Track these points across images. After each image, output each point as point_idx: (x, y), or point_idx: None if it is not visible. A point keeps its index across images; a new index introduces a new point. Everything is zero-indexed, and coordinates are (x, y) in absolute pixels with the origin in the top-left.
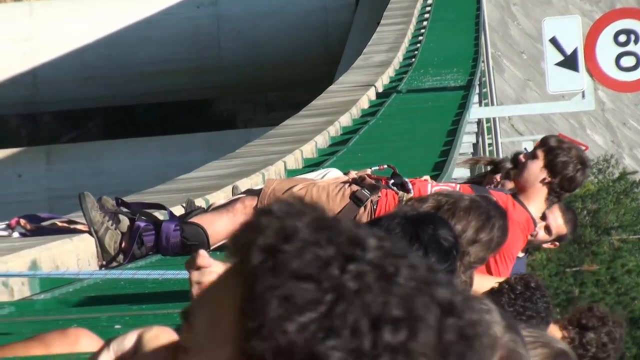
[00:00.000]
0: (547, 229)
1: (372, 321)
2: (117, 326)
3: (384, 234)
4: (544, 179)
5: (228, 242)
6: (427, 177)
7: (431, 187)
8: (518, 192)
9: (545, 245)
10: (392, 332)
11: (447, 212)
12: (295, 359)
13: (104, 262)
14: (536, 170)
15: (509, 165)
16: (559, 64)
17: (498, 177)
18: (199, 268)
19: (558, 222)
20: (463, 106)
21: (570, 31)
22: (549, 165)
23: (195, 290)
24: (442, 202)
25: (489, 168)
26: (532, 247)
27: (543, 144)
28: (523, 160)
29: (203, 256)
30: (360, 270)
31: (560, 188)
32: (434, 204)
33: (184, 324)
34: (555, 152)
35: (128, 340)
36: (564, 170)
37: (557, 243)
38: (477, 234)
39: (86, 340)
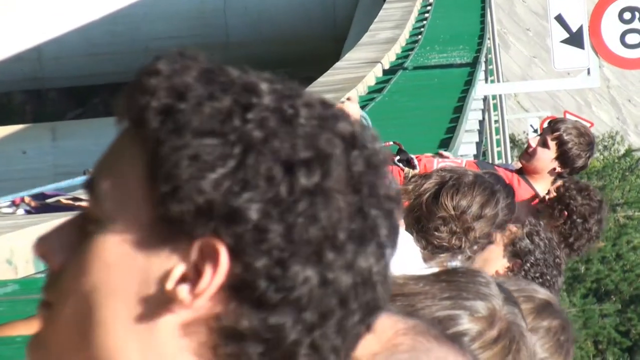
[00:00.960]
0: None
1: (284, 167)
2: None
3: (271, 76)
4: (554, 168)
5: (115, 107)
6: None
7: (437, 163)
8: (524, 172)
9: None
10: (306, 175)
11: (452, 188)
12: (214, 217)
13: None
14: (547, 160)
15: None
16: (565, 41)
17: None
18: None
19: None
20: (469, 83)
21: (575, 8)
22: (561, 158)
23: None
24: (446, 178)
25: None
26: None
27: (554, 132)
28: (533, 146)
29: None
30: (261, 117)
31: (569, 174)
32: (438, 179)
33: (90, 196)
34: (568, 145)
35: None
36: (575, 162)
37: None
38: (481, 210)
39: None
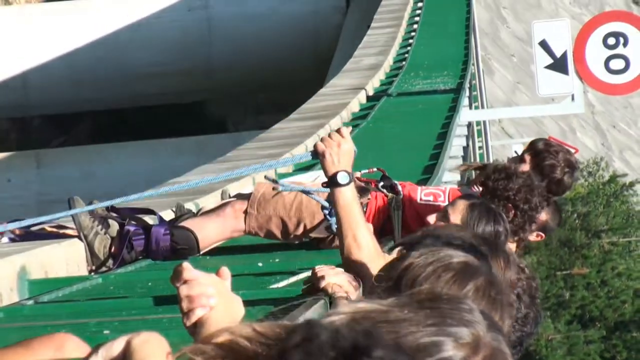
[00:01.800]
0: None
1: None
2: (105, 331)
3: None
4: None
5: None
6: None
7: (421, 190)
8: None
9: (531, 238)
10: None
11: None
12: None
13: (94, 267)
14: None
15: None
16: (549, 66)
17: None
18: (185, 282)
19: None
20: (453, 109)
21: (559, 34)
22: (536, 169)
23: (185, 304)
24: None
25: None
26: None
27: (530, 147)
28: (509, 164)
29: (188, 269)
30: None
31: (548, 191)
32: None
33: None
34: (542, 155)
35: (116, 346)
36: (551, 173)
37: (542, 234)
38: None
39: (72, 346)
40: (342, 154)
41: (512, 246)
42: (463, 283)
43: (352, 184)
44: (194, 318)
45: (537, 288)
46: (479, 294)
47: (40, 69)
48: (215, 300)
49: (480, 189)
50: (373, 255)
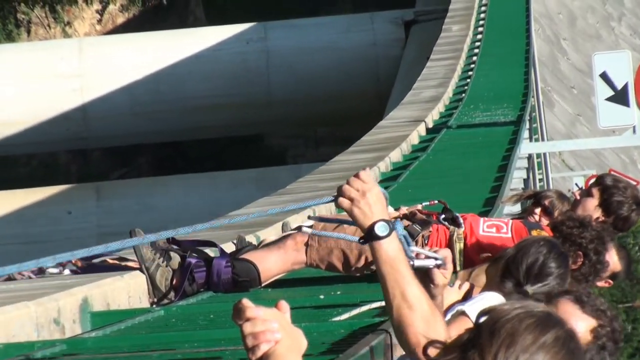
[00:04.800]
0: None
1: None
2: None
3: None
4: (598, 217)
5: None
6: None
7: (483, 222)
8: None
9: (599, 284)
10: None
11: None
12: None
13: (156, 299)
14: (590, 208)
15: (550, 194)
16: (610, 98)
17: (538, 210)
18: (247, 319)
19: (613, 259)
20: (513, 141)
21: (620, 66)
22: (604, 204)
23: (250, 341)
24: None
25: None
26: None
27: (599, 182)
28: (578, 197)
29: (249, 307)
30: None
31: (614, 227)
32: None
33: None
34: (611, 191)
35: None
36: (618, 210)
37: (610, 281)
38: None
39: None
40: (372, 203)
41: None
42: (544, 330)
43: (394, 233)
44: (259, 353)
45: (621, 330)
46: (559, 343)
47: (100, 101)
48: (280, 335)
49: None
50: (428, 316)
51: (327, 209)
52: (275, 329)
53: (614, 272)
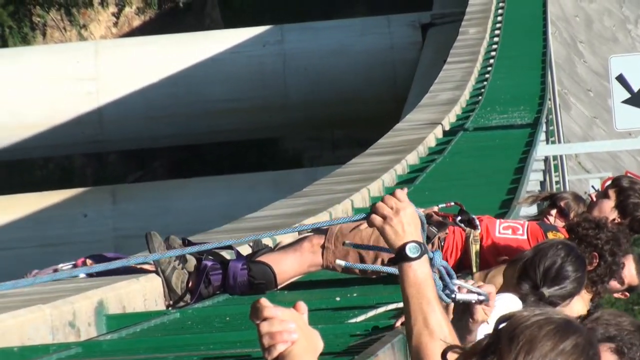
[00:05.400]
0: (620, 279)
1: None
2: None
3: None
4: (614, 219)
5: None
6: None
7: (499, 223)
8: None
9: (616, 295)
10: None
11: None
12: None
13: (171, 302)
14: (607, 209)
15: (566, 196)
16: (626, 101)
17: (554, 212)
18: (265, 319)
19: (631, 271)
20: (530, 144)
21: (637, 68)
22: (620, 206)
23: (266, 340)
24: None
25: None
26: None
27: (615, 184)
28: (594, 199)
29: (267, 306)
30: None
31: (630, 229)
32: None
33: None
34: (627, 192)
35: None
36: (634, 211)
37: (627, 293)
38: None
39: None
40: (405, 222)
41: (587, 297)
42: (564, 337)
43: (425, 256)
44: (275, 353)
45: None
46: (578, 350)
47: (116, 104)
48: (297, 335)
49: (554, 219)
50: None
51: (343, 211)
52: (293, 330)
53: (631, 286)
